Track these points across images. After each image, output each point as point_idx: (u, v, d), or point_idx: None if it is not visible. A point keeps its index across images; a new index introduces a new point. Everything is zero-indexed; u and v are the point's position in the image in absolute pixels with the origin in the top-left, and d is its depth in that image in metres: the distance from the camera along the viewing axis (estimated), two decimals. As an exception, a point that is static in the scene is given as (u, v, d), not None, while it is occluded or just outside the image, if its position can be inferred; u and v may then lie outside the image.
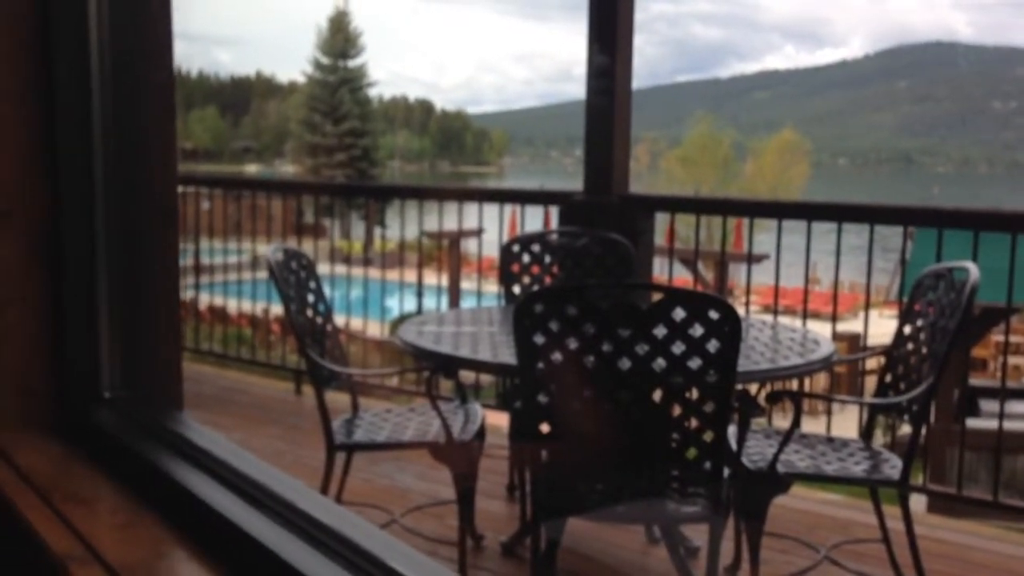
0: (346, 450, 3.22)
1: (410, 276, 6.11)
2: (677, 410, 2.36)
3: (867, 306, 4.53)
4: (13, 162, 1.75)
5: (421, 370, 3.26)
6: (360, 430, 3.28)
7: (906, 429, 3.16)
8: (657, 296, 2.37)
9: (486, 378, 5.30)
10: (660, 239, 5.35)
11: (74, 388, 1.79)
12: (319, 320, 3.44)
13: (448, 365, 2.85)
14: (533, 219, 5.43)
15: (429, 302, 5.93)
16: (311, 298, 3.42)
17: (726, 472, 2.48)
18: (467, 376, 3.85)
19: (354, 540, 1.10)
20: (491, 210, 5.28)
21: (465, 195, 5.79)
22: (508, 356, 2.69)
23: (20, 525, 1.38)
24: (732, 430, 2.64)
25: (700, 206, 5.08)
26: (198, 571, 1.21)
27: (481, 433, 3.17)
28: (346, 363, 3.75)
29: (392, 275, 6.09)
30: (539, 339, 2.31)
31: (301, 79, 44.71)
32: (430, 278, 6.33)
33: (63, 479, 1.53)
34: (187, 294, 6.70)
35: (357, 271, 6.92)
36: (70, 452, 1.66)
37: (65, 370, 1.80)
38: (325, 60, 41.90)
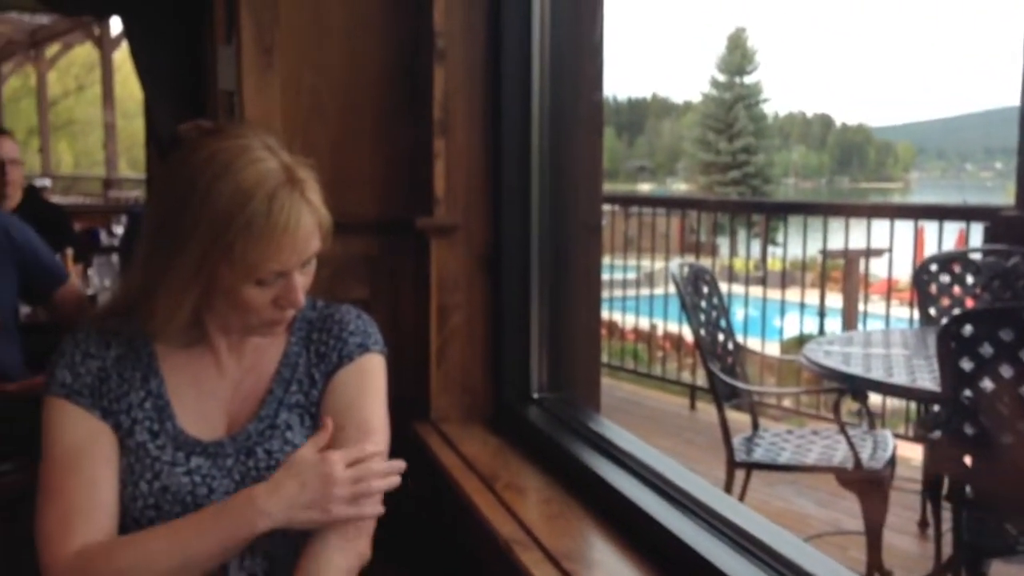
0: (746, 468, 3.20)
1: (800, 295, 5.92)
2: None
3: None
4: (463, 182, 1.97)
5: (829, 391, 3.15)
6: (760, 449, 3.24)
7: None
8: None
9: (892, 404, 4.99)
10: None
11: (507, 387, 1.97)
12: (720, 336, 3.45)
13: (859, 387, 2.73)
14: (946, 238, 5.05)
15: (826, 323, 5.72)
16: (714, 314, 3.44)
17: None
18: (872, 402, 3.66)
19: (784, 553, 1.10)
20: (896, 228, 4.98)
21: (870, 211, 5.51)
22: (928, 381, 2.52)
23: (468, 507, 1.54)
24: None
25: None
26: (627, 566, 1.27)
27: (891, 462, 3.00)
28: (746, 381, 3.73)
29: (784, 294, 5.94)
30: (967, 364, 2.15)
31: (696, 98, 45.12)
32: (822, 298, 6.10)
33: (501, 469, 1.68)
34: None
35: (748, 289, 6.84)
36: (505, 445, 1.83)
37: (500, 371, 1.98)
38: (721, 78, 41.89)
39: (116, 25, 10.66)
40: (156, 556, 1.19)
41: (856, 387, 2.74)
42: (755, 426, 3.42)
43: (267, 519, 1.18)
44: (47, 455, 1.26)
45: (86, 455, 1.25)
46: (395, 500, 1.27)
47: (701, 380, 5.73)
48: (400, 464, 1.25)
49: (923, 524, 3.59)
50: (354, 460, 1.22)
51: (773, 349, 5.93)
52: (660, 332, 6.62)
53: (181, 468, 1.27)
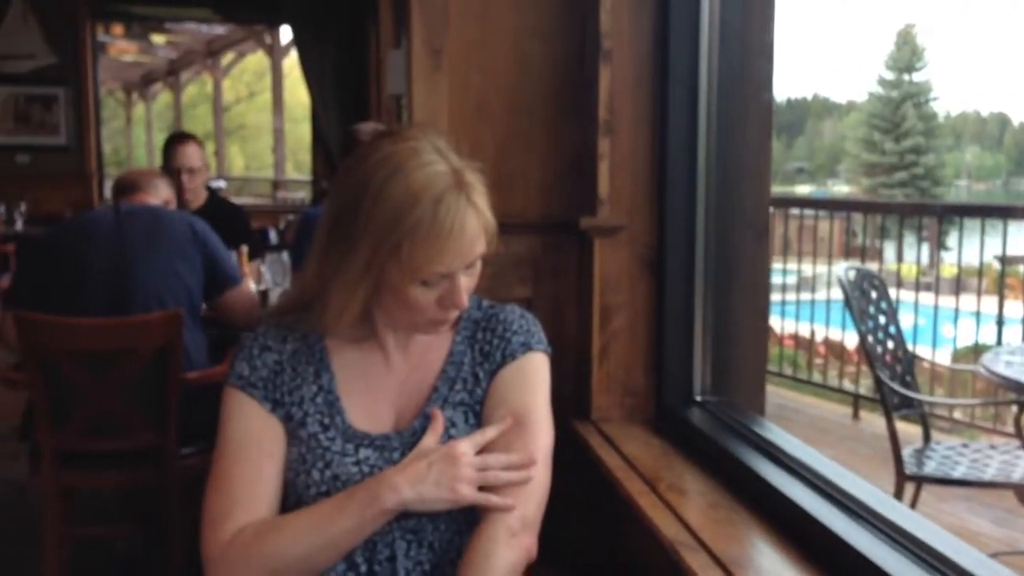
0: (916, 481, 3.05)
1: (975, 303, 5.59)
2: None
3: None
4: (628, 183, 1.96)
5: (1011, 403, 2.98)
6: (932, 462, 3.09)
7: None
8: None
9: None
10: None
11: (669, 389, 1.94)
12: (890, 343, 3.31)
13: (1044, 401, 2.56)
14: None
15: (1003, 332, 5.39)
16: (882, 320, 3.31)
17: None
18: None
19: (969, 569, 1.04)
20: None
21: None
22: (1124, 396, 2.35)
23: (631, 507, 1.54)
24: None
25: None
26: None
27: (1079, 481, 2.80)
28: (917, 390, 3.56)
29: (957, 301, 5.63)
30: None
31: (859, 97, 43.40)
32: (1000, 306, 5.75)
33: (664, 471, 1.66)
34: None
35: (917, 296, 6.54)
36: (667, 447, 1.81)
37: (662, 372, 1.96)
38: (889, 76, 40.13)
39: (286, 34, 11.15)
40: (300, 536, 1.24)
41: (1041, 400, 2.58)
42: (926, 438, 3.26)
43: (396, 493, 1.21)
44: (220, 442, 1.32)
45: (254, 446, 1.31)
46: (555, 498, 1.27)
47: (863, 388, 5.51)
48: (523, 461, 1.26)
49: (1114, 549, 3.35)
50: (480, 445, 1.26)
51: (942, 358, 5.64)
52: (819, 338, 6.41)
53: (351, 459, 1.31)
